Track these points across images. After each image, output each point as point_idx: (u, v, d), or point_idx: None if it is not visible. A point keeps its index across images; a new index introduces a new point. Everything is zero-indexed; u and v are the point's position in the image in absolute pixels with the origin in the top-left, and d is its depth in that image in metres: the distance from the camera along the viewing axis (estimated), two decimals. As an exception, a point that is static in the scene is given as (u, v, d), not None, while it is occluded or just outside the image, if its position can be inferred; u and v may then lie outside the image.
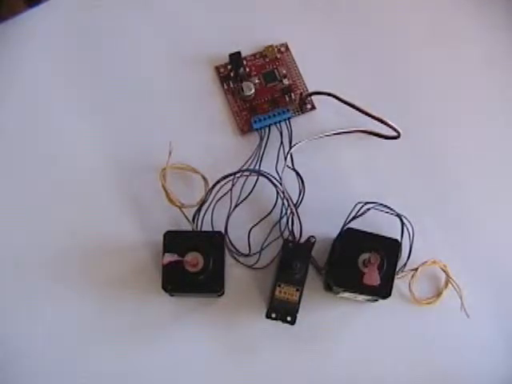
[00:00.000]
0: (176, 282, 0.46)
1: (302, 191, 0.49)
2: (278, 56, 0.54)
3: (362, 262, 0.46)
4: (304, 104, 0.53)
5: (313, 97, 0.53)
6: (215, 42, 0.54)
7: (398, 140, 0.51)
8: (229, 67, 0.53)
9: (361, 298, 0.48)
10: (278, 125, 0.51)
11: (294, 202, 0.48)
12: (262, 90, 0.53)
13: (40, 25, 0.53)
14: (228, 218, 0.49)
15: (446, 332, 0.50)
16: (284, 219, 0.49)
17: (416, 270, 0.49)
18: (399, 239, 0.47)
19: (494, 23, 0.56)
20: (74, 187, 0.51)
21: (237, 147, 0.52)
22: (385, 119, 0.50)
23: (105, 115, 0.52)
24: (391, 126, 0.50)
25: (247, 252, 0.49)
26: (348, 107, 0.50)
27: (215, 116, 0.53)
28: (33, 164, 0.51)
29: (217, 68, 0.53)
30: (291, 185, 0.49)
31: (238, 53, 0.53)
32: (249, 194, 0.49)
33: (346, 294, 0.48)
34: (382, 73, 0.54)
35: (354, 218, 0.48)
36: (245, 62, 0.53)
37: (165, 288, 0.46)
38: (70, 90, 0.52)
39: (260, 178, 0.48)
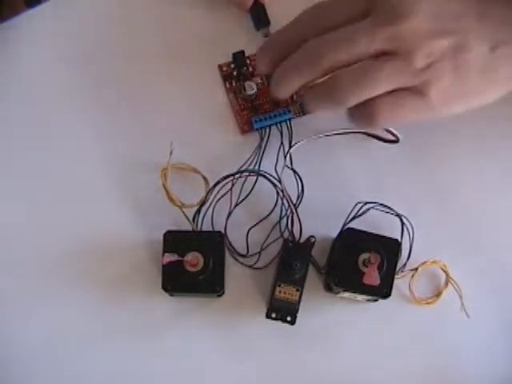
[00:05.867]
0: (176, 281, 0.46)
1: (301, 191, 0.49)
2: (281, 56, 0.54)
3: (362, 262, 0.46)
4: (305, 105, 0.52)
5: (313, 97, 0.53)
6: (219, 40, 0.54)
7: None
8: (232, 66, 0.53)
9: (361, 297, 0.48)
10: (278, 125, 0.51)
11: (294, 202, 0.48)
12: (264, 90, 0.52)
13: (40, 25, 0.53)
14: (228, 218, 0.49)
15: (446, 332, 0.50)
16: (284, 219, 0.49)
17: (416, 269, 0.49)
18: (399, 239, 0.47)
19: None
20: (74, 187, 0.51)
21: (237, 147, 0.51)
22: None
23: (105, 114, 0.52)
24: (390, 132, 0.50)
25: (247, 252, 0.49)
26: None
27: (216, 115, 0.52)
28: (32, 164, 0.51)
29: (220, 66, 0.53)
30: (291, 185, 0.49)
31: (242, 52, 0.52)
32: (248, 194, 0.49)
33: (346, 294, 0.48)
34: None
35: (354, 217, 0.48)
36: (248, 62, 0.53)
37: (165, 288, 0.46)
38: (71, 90, 0.52)
39: (260, 178, 0.48)
